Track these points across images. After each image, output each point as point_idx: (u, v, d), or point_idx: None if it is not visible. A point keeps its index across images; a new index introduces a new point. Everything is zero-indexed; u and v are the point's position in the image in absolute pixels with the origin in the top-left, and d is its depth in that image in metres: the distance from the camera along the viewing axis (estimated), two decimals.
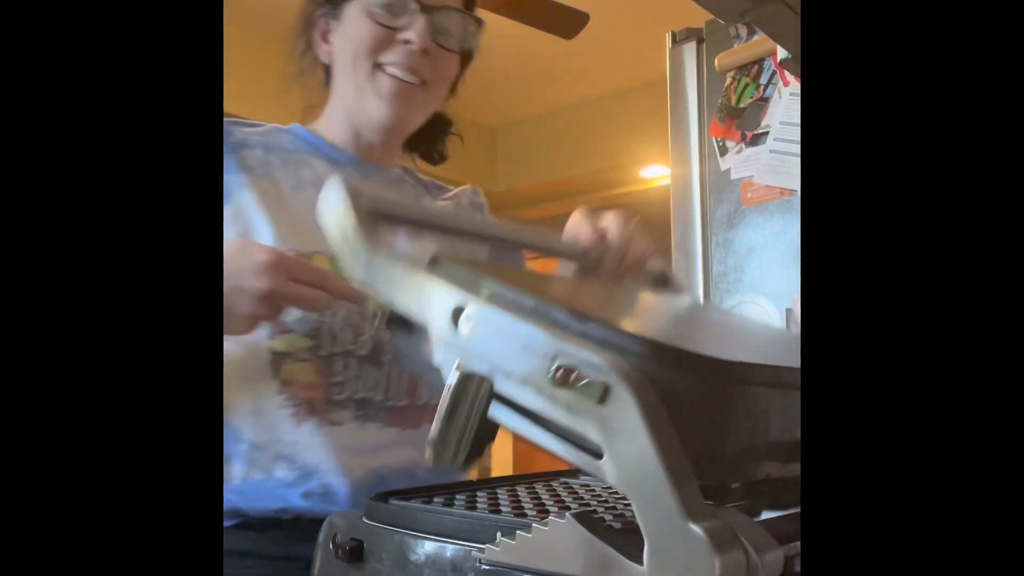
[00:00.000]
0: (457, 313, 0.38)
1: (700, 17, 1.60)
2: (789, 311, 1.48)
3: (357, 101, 0.86)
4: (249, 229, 0.80)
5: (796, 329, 1.45)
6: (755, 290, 1.53)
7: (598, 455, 0.33)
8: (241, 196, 0.82)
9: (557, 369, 0.34)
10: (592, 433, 0.33)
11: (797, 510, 0.39)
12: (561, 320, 0.37)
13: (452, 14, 0.87)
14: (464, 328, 0.38)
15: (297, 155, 0.88)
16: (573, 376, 0.33)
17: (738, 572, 0.30)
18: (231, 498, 0.76)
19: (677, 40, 1.71)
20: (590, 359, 0.33)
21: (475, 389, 0.37)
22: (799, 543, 0.35)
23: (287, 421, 0.77)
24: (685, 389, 0.34)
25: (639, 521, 0.31)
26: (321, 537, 0.49)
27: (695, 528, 0.30)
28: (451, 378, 0.37)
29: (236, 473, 0.77)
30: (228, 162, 0.83)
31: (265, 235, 0.79)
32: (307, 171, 0.86)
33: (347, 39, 0.86)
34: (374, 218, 0.45)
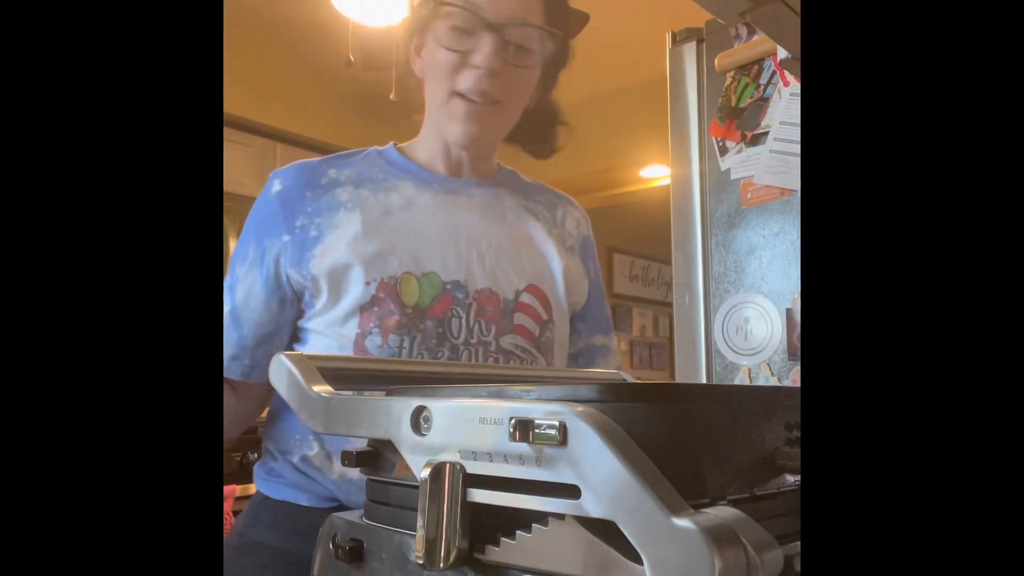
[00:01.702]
0: (417, 415, 0.41)
1: (700, 17, 1.60)
2: (789, 311, 1.48)
3: (439, 123, 0.91)
4: (338, 263, 0.86)
5: (796, 329, 1.45)
6: (755, 290, 1.53)
7: (577, 495, 0.34)
8: (330, 234, 0.87)
9: (514, 428, 0.35)
10: (565, 475, 0.34)
11: (797, 509, 0.39)
12: (509, 391, 0.40)
13: (524, 29, 0.88)
14: (425, 427, 0.40)
15: (387, 182, 0.93)
16: (531, 429, 0.35)
17: (738, 571, 0.30)
18: (331, 488, 0.85)
19: (677, 40, 1.71)
20: (541, 408, 0.35)
21: (449, 478, 0.38)
22: (799, 543, 0.35)
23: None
24: (636, 417, 0.35)
25: (630, 538, 0.32)
26: (321, 537, 0.49)
27: (681, 522, 0.30)
28: (423, 474, 0.38)
29: (336, 470, 0.85)
30: (319, 203, 0.89)
31: (356, 270, 0.85)
32: (395, 196, 0.92)
33: (429, 64, 0.91)
34: (320, 378, 0.50)
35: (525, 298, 0.92)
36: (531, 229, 0.98)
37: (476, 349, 0.88)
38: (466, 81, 0.87)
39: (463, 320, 0.88)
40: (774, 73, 1.53)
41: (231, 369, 0.88)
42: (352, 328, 0.85)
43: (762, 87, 1.55)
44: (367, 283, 0.85)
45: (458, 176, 0.97)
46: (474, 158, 0.97)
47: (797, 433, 0.41)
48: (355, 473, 0.84)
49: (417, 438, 0.41)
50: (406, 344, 0.84)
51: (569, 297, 0.99)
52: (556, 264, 0.97)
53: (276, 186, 0.91)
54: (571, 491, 0.34)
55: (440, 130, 0.93)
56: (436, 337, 0.86)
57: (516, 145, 1.03)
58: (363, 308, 0.85)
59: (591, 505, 0.33)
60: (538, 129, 1.02)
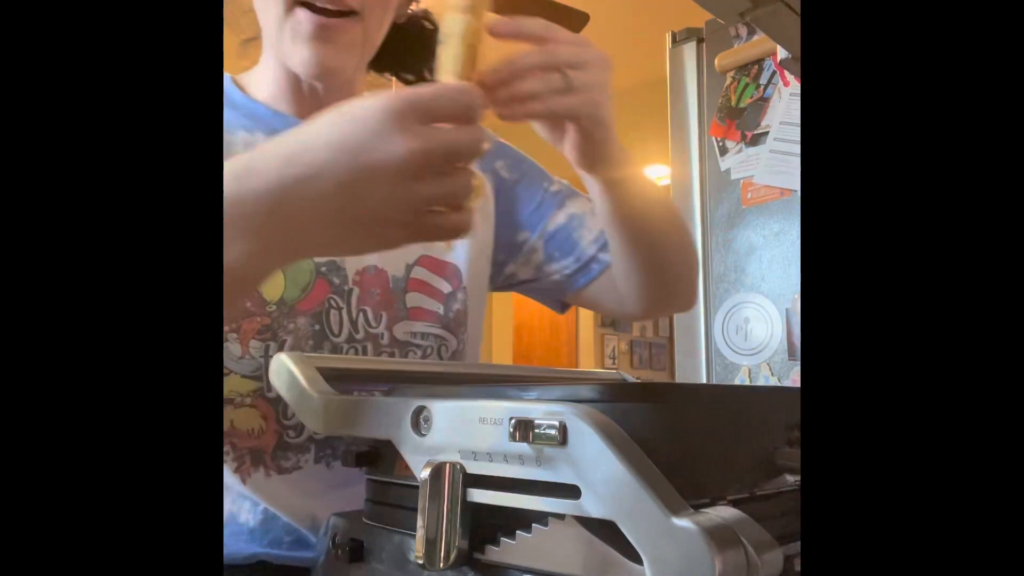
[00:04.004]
0: (417, 415, 0.41)
1: (700, 17, 1.61)
2: (789, 311, 1.48)
3: (279, 46, 0.67)
4: None
5: (796, 329, 1.45)
6: (755, 290, 1.53)
7: (577, 495, 0.34)
8: None
9: (514, 428, 0.35)
10: (565, 475, 0.34)
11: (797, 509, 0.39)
12: (509, 391, 0.40)
13: None
14: (425, 427, 0.41)
15: (228, 131, 0.70)
16: (531, 429, 0.35)
17: (738, 571, 0.30)
18: None
19: (677, 40, 1.71)
20: (541, 408, 0.35)
21: (449, 478, 0.38)
22: (799, 543, 0.35)
23: (230, 476, 0.67)
24: (636, 417, 0.35)
25: (630, 538, 0.32)
26: (321, 537, 0.49)
27: (681, 522, 0.30)
28: (423, 474, 0.38)
29: None
30: None
31: None
32: (240, 151, 0.68)
33: None
34: (320, 378, 0.49)
35: (417, 273, 0.74)
36: None
37: (363, 346, 0.71)
38: None
39: (343, 312, 0.70)
40: (774, 73, 1.53)
41: None
42: None
43: (762, 87, 1.55)
44: None
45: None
46: (332, 92, 0.72)
47: (797, 433, 0.41)
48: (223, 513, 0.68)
49: (417, 438, 0.41)
50: (272, 351, 0.66)
51: (482, 252, 0.79)
52: None
53: None
54: (571, 491, 0.34)
55: (282, 55, 0.68)
56: (312, 337, 0.69)
57: (387, 73, 0.80)
58: None
59: (591, 505, 0.33)
60: (412, 50, 0.78)
